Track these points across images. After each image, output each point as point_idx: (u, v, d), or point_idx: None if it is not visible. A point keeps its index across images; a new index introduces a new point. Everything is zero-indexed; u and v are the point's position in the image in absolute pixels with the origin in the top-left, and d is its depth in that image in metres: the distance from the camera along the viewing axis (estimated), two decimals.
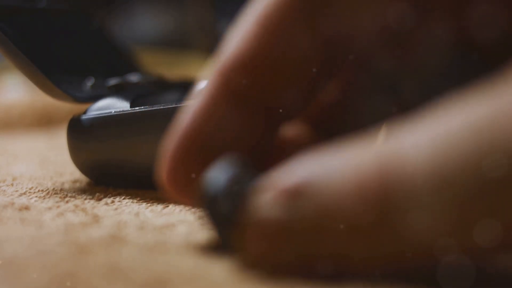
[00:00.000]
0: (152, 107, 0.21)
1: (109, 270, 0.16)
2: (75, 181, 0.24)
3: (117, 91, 0.25)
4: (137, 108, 0.21)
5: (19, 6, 0.25)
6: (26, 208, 0.20)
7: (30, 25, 0.25)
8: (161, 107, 0.21)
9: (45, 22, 0.26)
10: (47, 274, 0.15)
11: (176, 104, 0.21)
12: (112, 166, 0.22)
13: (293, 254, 0.14)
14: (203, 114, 0.17)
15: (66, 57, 0.26)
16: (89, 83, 0.25)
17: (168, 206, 0.21)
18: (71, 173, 0.25)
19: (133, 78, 0.26)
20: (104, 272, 0.16)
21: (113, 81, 0.25)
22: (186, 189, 0.17)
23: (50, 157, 0.29)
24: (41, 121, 0.40)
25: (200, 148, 0.16)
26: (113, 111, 0.22)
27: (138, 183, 0.22)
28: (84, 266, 0.16)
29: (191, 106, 0.17)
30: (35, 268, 0.16)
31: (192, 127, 0.17)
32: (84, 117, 0.22)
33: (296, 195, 0.13)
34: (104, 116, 0.22)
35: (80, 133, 0.22)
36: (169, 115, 0.21)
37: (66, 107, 0.40)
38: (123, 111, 0.22)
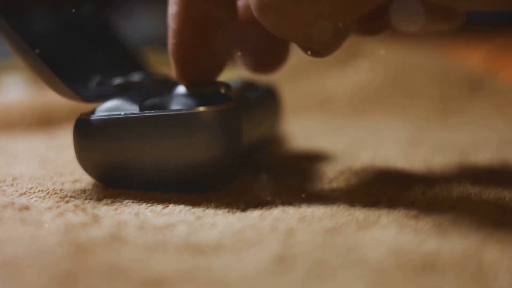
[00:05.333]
0: (163, 111, 0.21)
1: (109, 270, 0.16)
2: (75, 181, 0.24)
3: (123, 91, 0.24)
4: (147, 111, 0.21)
5: (24, 1, 0.25)
6: (26, 208, 0.20)
7: (39, 22, 0.25)
8: (171, 112, 0.21)
9: (53, 20, 0.26)
10: (47, 274, 0.15)
11: (186, 109, 0.21)
12: (120, 168, 0.22)
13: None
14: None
15: (73, 55, 0.26)
16: (95, 81, 0.25)
17: (168, 206, 0.21)
18: (71, 173, 0.25)
19: (138, 77, 0.26)
20: (104, 272, 0.16)
21: (118, 80, 0.25)
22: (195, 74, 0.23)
23: (50, 157, 0.29)
24: (41, 121, 0.40)
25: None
26: (122, 113, 0.22)
27: (146, 185, 0.22)
28: (84, 266, 0.16)
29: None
30: (35, 268, 0.16)
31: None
32: (93, 117, 0.22)
33: None
34: (114, 118, 0.22)
35: (88, 134, 0.22)
36: (178, 120, 0.21)
37: (66, 107, 0.40)
38: (133, 114, 0.22)
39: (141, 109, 0.22)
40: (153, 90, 0.25)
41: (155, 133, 0.21)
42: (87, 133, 0.22)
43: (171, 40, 0.23)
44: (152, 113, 0.21)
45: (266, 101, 0.29)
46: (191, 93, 0.23)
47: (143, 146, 0.21)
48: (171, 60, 0.23)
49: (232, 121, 0.22)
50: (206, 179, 0.22)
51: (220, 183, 0.23)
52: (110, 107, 0.22)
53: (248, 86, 0.28)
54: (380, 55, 0.50)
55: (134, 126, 0.21)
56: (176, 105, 0.22)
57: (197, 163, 0.21)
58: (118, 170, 0.22)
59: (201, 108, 0.21)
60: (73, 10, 0.27)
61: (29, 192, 0.22)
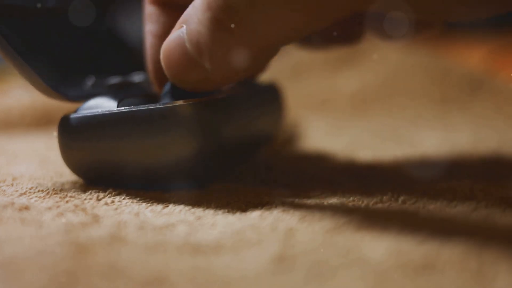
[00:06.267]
0: (137, 107, 0.21)
1: (109, 269, 0.16)
2: (75, 181, 0.24)
3: (117, 90, 0.24)
4: (122, 108, 0.21)
5: (26, 6, 0.25)
6: (26, 208, 0.20)
7: (29, 21, 0.24)
8: (145, 108, 0.21)
9: (49, 19, 0.26)
10: (47, 274, 0.15)
11: (160, 105, 0.21)
12: (99, 165, 0.22)
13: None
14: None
15: (68, 55, 0.26)
16: (90, 82, 0.25)
17: (168, 206, 0.21)
18: (71, 173, 0.25)
19: (136, 77, 0.26)
20: (104, 272, 0.16)
21: (113, 80, 0.25)
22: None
23: (50, 157, 0.29)
24: (41, 121, 0.40)
25: None
26: (99, 111, 0.22)
27: (128, 182, 0.22)
28: (84, 266, 0.16)
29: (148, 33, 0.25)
30: (35, 268, 0.16)
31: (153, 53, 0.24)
32: (73, 116, 0.22)
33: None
34: (91, 116, 0.22)
35: (68, 132, 0.22)
36: (152, 115, 0.21)
37: (66, 107, 0.40)
38: (108, 111, 0.22)
39: (118, 105, 0.22)
40: (148, 90, 0.25)
41: (130, 129, 0.21)
42: (67, 131, 0.22)
43: (149, 66, 0.24)
44: (127, 109, 0.21)
45: (265, 98, 0.28)
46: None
47: (119, 142, 0.22)
48: (153, 81, 0.25)
49: (209, 115, 0.21)
50: (185, 175, 0.22)
51: (203, 179, 0.23)
52: (91, 105, 0.22)
53: (246, 83, 0.28)
54: (382, 53, 0.50)
55: (110, 123, 0.21)
56: (155, 102, 0.22)
57: (173, 159, 0.21)
58: (99, 167, 0.22)
59: (176, 103, 0.21)
60: (66, 11, 0.27)
61: (29, 192, 0.22)
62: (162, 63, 0.21)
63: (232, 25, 0.19)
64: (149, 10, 0.25)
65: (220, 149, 0.22)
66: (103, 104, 0.22)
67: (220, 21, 0.20)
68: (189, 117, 0.21)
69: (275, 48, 0.21)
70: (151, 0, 0.24)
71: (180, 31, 0.21)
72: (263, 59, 0.21)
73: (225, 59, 0.20)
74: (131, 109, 0.21)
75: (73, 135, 0.22)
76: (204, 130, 0.21)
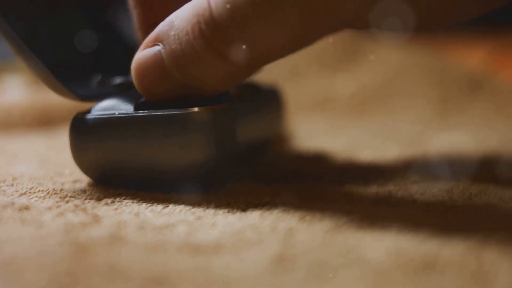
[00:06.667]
0: (156, 112, 0.21)
1: (108, 270, 0.16)
2: (75, 181, 0.24)
3: (123, 90, 0.24)
4: (140, 112, 0.21)
5: (37, 2, 0.25)
6: (26, 208, 0.20)
7: (38, 19, 0.25)
8: (164, 112, 0.21)
9: (55, 17, 0.26)
10: (47, 274, 0.15)
11: (178, 109, 0.21)
12: (113, 167, 0.22)
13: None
14: None
15: (74, 53, 0.26)
16: (96, 80, 0.25)
17: (168, 206, 0.21)
18: (71, 173, 0.25)
19: None
20: (104, 271, 0.16)
21: (118, 80, 0.25)
22: None
23: (50, 157, 0.29)
24: (41, 121, 0.40)
25: None
26: (117, 113, 0.22)
27: (141, 184, 0.22)
28: (84, 266, 0.16)
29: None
30: (35, 268, 0.16)
31: None
32: (88, 116, 0.22)
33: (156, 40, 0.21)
34: (108, 118, 0.22)
35: (83, 133, 0.22)
36: (171, 120, 0.21)
37: (66, 107, 0.40)
38: (126, 113, 0.22)
39: (135, 108, 0.22)
40: None
41: (148, 133, 0.21)
42: (82, 132, 0.22)
43: None
44: (145, 113, 0.21)
45: (269, 101, 0.29)
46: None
47: (136, 146, 0.21)
48: None
49: (225, 121, 0.21)
50: (200, 179, 0.22)
51: (215, 183, 0.23)
52: (106, 107, 0.22)
53: (250, 87, 0.28)
54: (382, 54, 0.50)
55: (128, 126, 0.21)
56: (170, 105, 0.22)
57: (189, 164, 0.21)
58: (112, 169, 0.22)
59: (194, 109, 0.21)
60: (75, 9, 0.27)
61: (29, 192, 0.22)
62: (134, 78, 0.21)
63: (227, 52, 0.20)
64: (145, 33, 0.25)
65: (234, 153, 0.22)
66: (119, 106, 0.22)
67: (215, 49, 0.20)
68: (206, 122, 0.21)
69: (262, 66, 0.21)
70: (143, 25, 0.25)
71: (157, 50, 0.21)
72: (247, 75, 0.22)
73: (211, 79, 0.21)
74: (149, 113, 0.21)
75: (89, 135, 0.22)
76: (220, 135, 0.21)
